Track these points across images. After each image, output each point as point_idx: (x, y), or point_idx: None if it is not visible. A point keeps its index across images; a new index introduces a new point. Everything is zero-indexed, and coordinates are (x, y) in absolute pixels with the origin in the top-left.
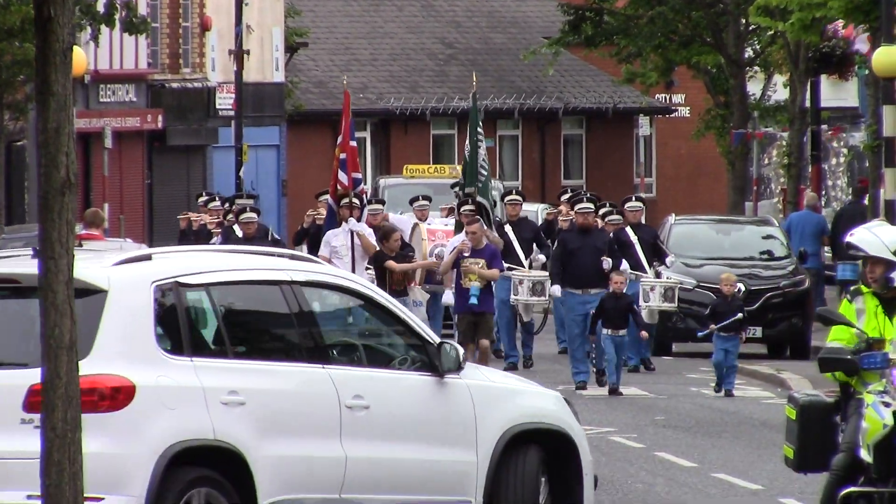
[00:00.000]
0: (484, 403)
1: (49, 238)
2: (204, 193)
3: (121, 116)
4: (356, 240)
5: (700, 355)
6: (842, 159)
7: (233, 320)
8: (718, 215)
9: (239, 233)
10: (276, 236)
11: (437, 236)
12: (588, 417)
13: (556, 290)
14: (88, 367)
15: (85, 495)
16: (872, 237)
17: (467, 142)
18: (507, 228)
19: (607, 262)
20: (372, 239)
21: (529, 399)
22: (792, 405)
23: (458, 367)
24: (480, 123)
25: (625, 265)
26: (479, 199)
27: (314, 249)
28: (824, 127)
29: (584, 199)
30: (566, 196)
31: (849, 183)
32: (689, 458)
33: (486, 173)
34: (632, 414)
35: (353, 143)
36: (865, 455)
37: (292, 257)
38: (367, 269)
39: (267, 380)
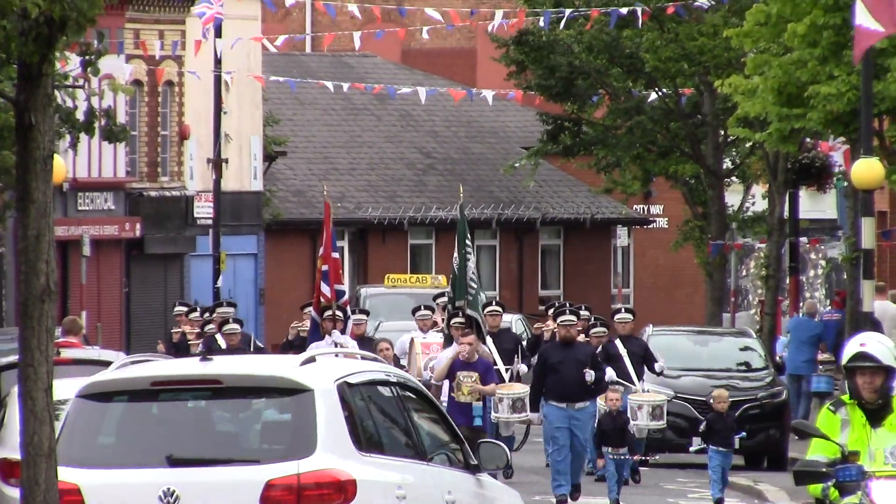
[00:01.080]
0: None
1: (28, 345)
2: (178, 303)
3: (99, 224)
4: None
5: (677, 465)
6: (820, 271)
7: (376, 419)
8: (696, 326)
9: (222, 343)
10: (260, 345)
11: (433, 349)
12: None
13: (535, 417)
14: (317, 464)
15: None
16: (883, 347)
17: (455, 254)
18: (489, 340)
19: (590, 375)
20: (356, 351)
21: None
22: None
23: (506, 466)
24: (469, 235)
25: (610, 373)
26: (469, 312)
27: None
28: (803, 239)
29: (567, 311)
30: (553, 310)
31: (826, 294)
32: None
33: (475, 286)
34: None
35: (336, 255)
36: None
37: (371, 359)
38: None
39: (411, 475)
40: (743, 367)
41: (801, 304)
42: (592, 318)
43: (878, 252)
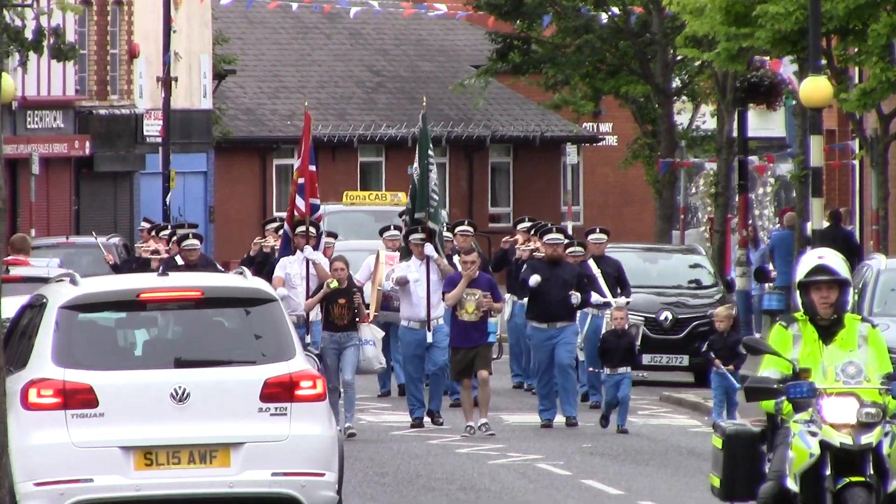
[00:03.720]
0: None
1: None
2: (144, 220)
3: (48, 143)
4: (312, 269)
5: (636, 383)
6: (769, 189)
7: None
8: (646, 244)
9: (180, 261)
10: (220, 267)
11: (396, 261)
12: (515, 444)
13: (535, 278)
14: (296, 366)
15: (310, 471)
16: (839, 259)
17: (416, 165)
18: (456, 259)
19: (576, 297)
20: (328, 268)
21: None
22: (718, 434)
23: None
24: (431, 146)
25: (595, 297)
26: (429, 224)
27: (260, 277)
28: (753, 158)
29: (553, 229)
30: (524, 225)
31: (775, 212)
32: (616, 485)
33: (437, 198)
34: (559, 441)
35: (313, 168)
36: (792, 484)
37: None
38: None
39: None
40: (693, 285)
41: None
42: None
43: (827, 170)
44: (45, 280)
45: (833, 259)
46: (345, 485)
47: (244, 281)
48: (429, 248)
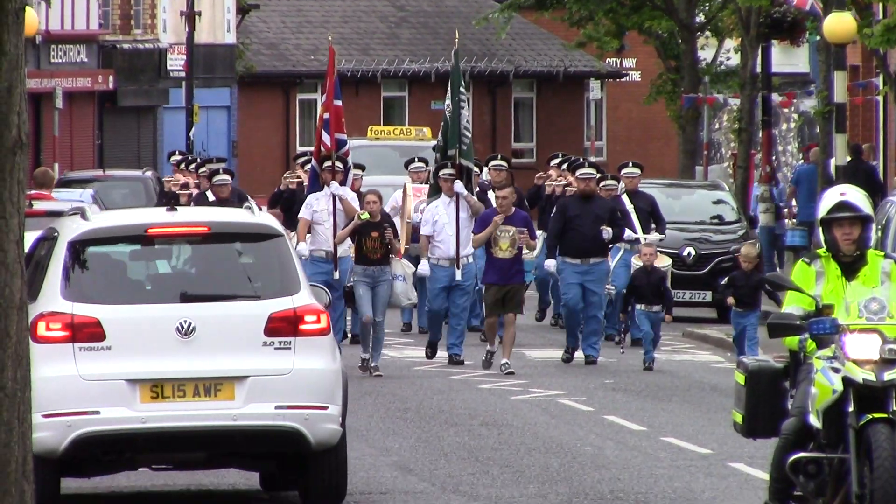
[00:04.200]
0: None
1: (1, 197)
2: (178, 153)
3: (72, 77)
4: (339, 204)
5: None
6: (792, 125)
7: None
8: (669, 179)
9: (211, 196)
10: (251, 200)
11: (424, 192)
12: (537, 380)
13: (551, 264)
14: (301, 301)
15: (313, 404)
16: (861, 195)
17: (448, 102)
18: (490, 195)
19: (607, 232)
20: (355, 204)
21: None
22: (741, 370)
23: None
24: (463, 83)
25: (628, 233)
26: (462, 161)
27: (288, 213)
28: (776, 94)
29: (586, 164)
30: (556, 161)
31: (799, 148)
32: (638, 421)
33: (469, 135)
34: (581, 377)
35: (338, 103)
36: (815, 421)
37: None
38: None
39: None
40: (716, 221)
41: (801, 155)
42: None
43: (850, 106)
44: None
45: (855, 195)
46: (367, 420)
47: (251, 216)
48: (458, 185)
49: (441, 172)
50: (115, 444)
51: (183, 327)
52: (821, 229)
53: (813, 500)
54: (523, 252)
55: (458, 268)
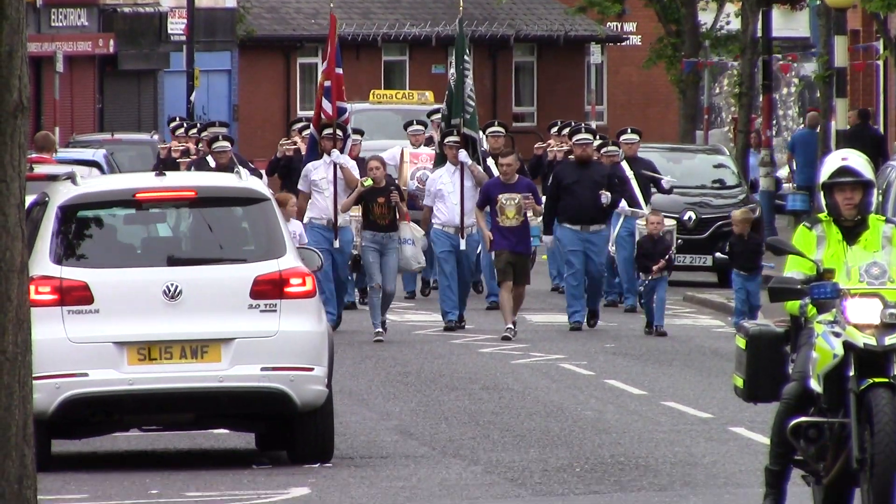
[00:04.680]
0: None
1: (1, 161)
2: (178, 119)
3: (72, 41)
4: (339, 172)
5: None
6: (793, 89)
7: None
8: (670, 143)
9: (212, 163)
10: (252, 166)
11: (421, 159)
12: (538, 345)
13: (548, 239)
14: (286, 264)
15: (299, 366)
16: (862, 160)
17: (452, 70)
18: (490, 162)
19: (606, 197)
20: (355, 172)
21: None
22: (741, 335)
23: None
24: (468, 51)
25: (623, 205)
26: (466, 131)
27: (287, 180)
28: (777, 57)
29: (583, 129)
30: (556, 128)
31: (799, 113)
32: (638, 386)
33: (473, 104)
34: (582, 341)
35: (340, 70)
36: (815, 385)
37: None
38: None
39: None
40: (716, 185)
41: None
42: (600, 137)
43: (851, 71)
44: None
45: (857, 160)
46: (368, 384)
47: (238, 181)
48: (463, 154)
49: (446, 140)
50: (103, 406)
51: (170, 290)
52: (822, 194)
53: (814, 464)
54: (529, 218)
55: (463, 237)
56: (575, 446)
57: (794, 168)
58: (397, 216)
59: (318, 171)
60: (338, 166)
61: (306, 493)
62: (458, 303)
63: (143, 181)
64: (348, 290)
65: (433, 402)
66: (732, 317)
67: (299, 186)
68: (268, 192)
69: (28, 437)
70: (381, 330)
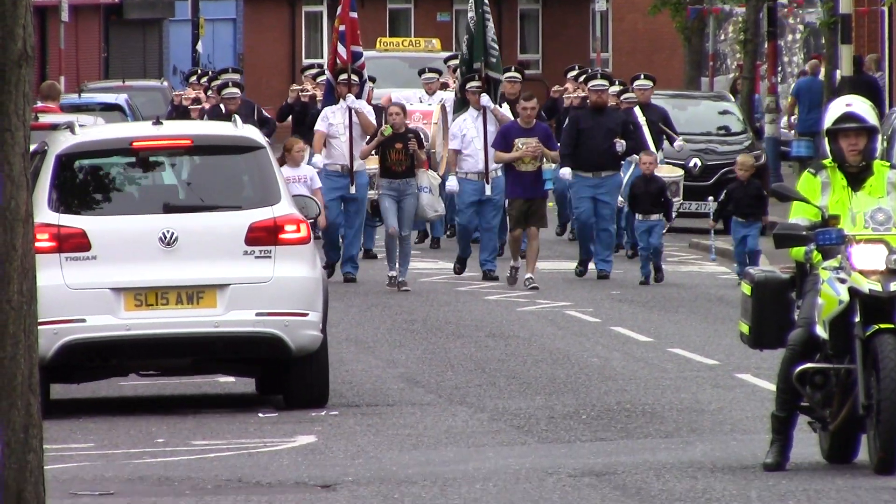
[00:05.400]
0: None
1: (6, 110)
2: (199, 69)
3: None
4: (354, 118)
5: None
6: (798, 36)
7: None
8: (675, 90)
9: (224, 109)
10: (265, 114)
11: (415, 118)
12: (544, 292)
13: (567, 172)
14: (281, 211)
15: (293, 311)
16: (867, 107)
17: (472, 14)
18: (505, 107)
19: (621, 145)
20: (371, 117)
21: None
22: (747, 281)
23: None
24: None
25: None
26: (490, 73)
27: (299, 126)
28: (783, 3)
29: (598, 76)
30: (573, 73)
31: (804, 60)
32: (645, 332)
33: (496, 48)
34: (588, 289)
35: (354, 15)
36: (821, 332)
37: None
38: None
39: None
40: (722, 131)
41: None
42: (618, 82)
43: (855, 17)
44: None
45: (861, 106)
46: (374, 332)
47: (234, 129)
48: (485, 98)
49: (468, 85)
50: (100, 351)
51: (166, 237)
52: (826, 140)
53: (820, 410)
54: (544, 162)
55: (488, 182)
56: (581, 393)
57: (796, 115)
58: (415, 163)
59: (335, 116)
60: (353, 111)
61: (312, 440)
62: (468, 252)
63: (140, 130)
64: (369, 236)
65: (439, 350)
66: (735, 266)
67: (317, 126)
68: (263, 140)
69: (34, 386)
70: (401, 277)
